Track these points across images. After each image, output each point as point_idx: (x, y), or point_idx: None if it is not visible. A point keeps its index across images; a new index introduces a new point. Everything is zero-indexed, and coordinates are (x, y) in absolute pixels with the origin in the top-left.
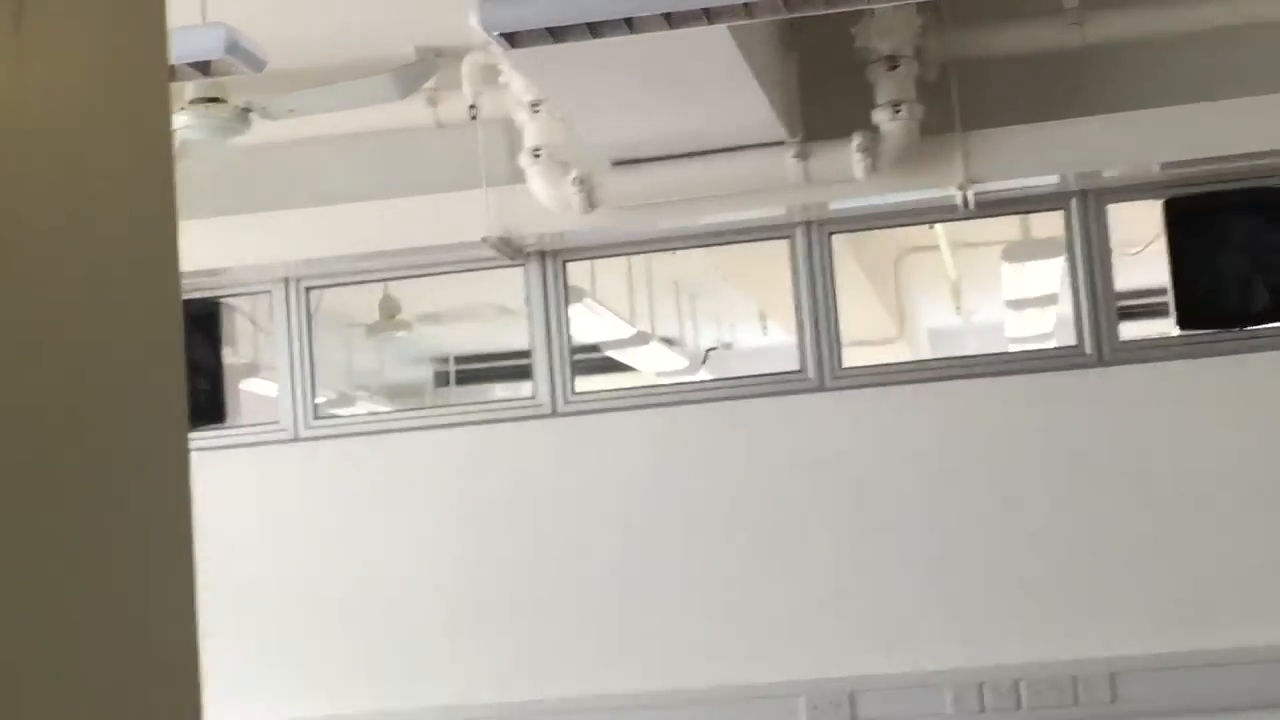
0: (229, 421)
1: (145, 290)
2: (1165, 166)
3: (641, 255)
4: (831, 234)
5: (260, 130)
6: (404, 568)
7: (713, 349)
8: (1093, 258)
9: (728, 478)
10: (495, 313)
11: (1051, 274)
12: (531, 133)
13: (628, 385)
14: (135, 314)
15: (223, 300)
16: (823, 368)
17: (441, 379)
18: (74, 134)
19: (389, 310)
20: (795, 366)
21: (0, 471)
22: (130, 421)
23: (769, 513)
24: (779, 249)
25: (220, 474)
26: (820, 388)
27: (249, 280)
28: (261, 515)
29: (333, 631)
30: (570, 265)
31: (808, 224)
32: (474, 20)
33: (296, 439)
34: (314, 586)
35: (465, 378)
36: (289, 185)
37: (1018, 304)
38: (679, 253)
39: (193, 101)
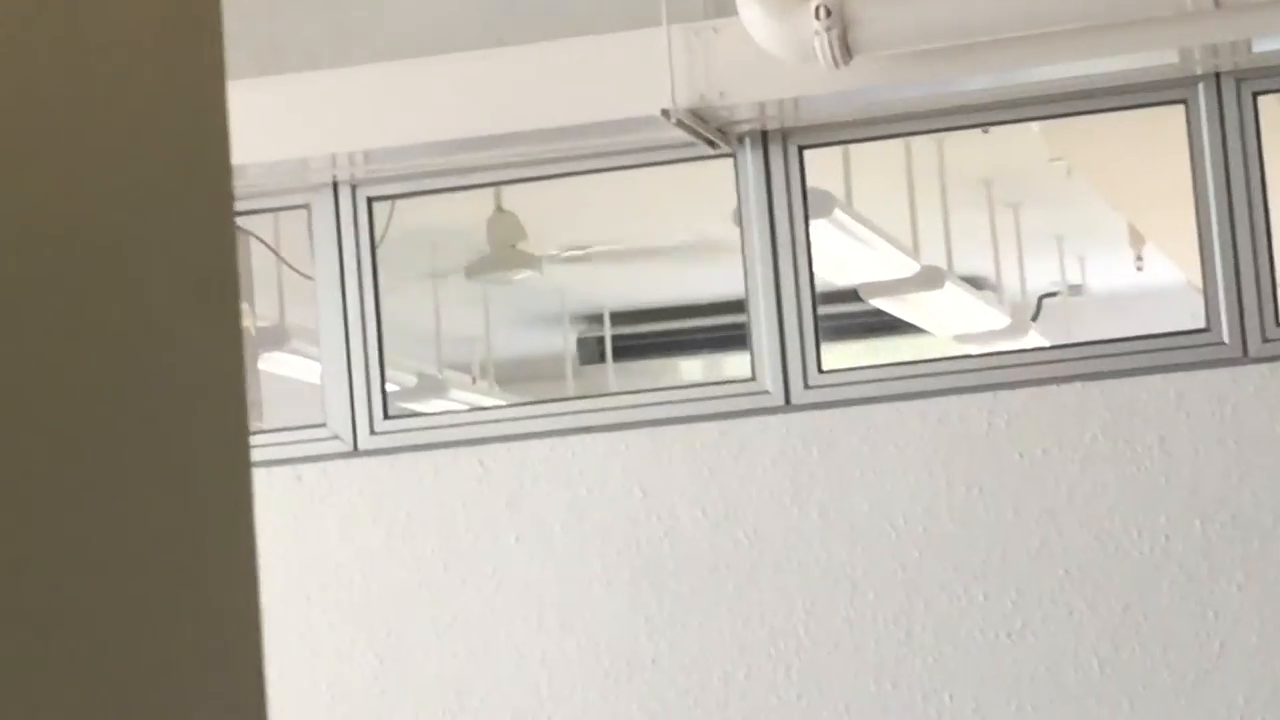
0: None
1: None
2: None
3: (929, 137)
4: (1257, 94)
5: None
6: (535, 650)
7: (1050, 295)
8: None
9: (1080, 509)
10: (682, 239)
11: None
12: None
13: (907, 359)
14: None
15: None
16: (1246, 326)
17: (592, 349)
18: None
19: (505, 237)
20: (1199, 323)
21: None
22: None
23: (1167, 559)
24: (1166, 121)
25: None
26: (1243, 357)
27: (273, 185)
28: (301, 571)
29: None
30: (810, 155)
31: (1216, 77)
32: None
33: (355, 452)
34: (384, 679)
35: (631, 348)
36: (340, 28)
37: None
38: (991, 132)
39: None
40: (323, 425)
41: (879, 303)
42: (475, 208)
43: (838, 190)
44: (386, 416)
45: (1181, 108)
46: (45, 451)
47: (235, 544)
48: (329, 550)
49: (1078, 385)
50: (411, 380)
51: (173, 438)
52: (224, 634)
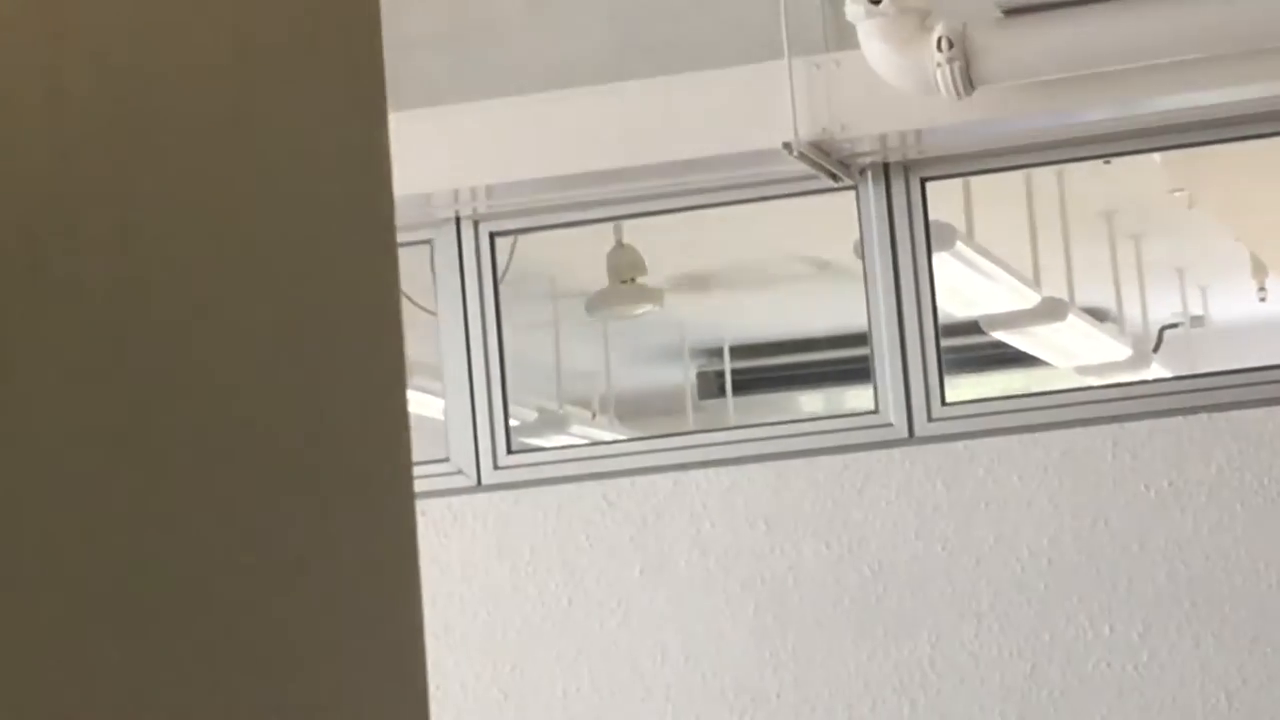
0: None
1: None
2: None
3: (1050, 169)
4: None
5: None
6: (660, 684)
7: (1172, 326)
8: None
9: (1206, 541)
10: (804, 271)
11: None
12: None
13: (1030, 390)
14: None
15: None
16: None
17: (712, 384)
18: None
19: (626, 270)
20: None
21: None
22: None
23: None
24: None
25: None
26: None
27: (397, 220)
28: (425, 606)
29: None
30: (933, 187)
31: None
32: None
33: (479, 487)
34: (509, 714)
35: (752, 381)
36: (463, 62)
37: None
38: (1112, 163)
39: None
40: (446, 460)
41: (1001, 335)
42: (596, 242)
43: (959, 223)
44: (510, 451)
45: None
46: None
47: (402, 569)
48: (453, 585)
49: (1203, 416)
50: (532, 415)
51: (342, 464)
52: (391, 662)
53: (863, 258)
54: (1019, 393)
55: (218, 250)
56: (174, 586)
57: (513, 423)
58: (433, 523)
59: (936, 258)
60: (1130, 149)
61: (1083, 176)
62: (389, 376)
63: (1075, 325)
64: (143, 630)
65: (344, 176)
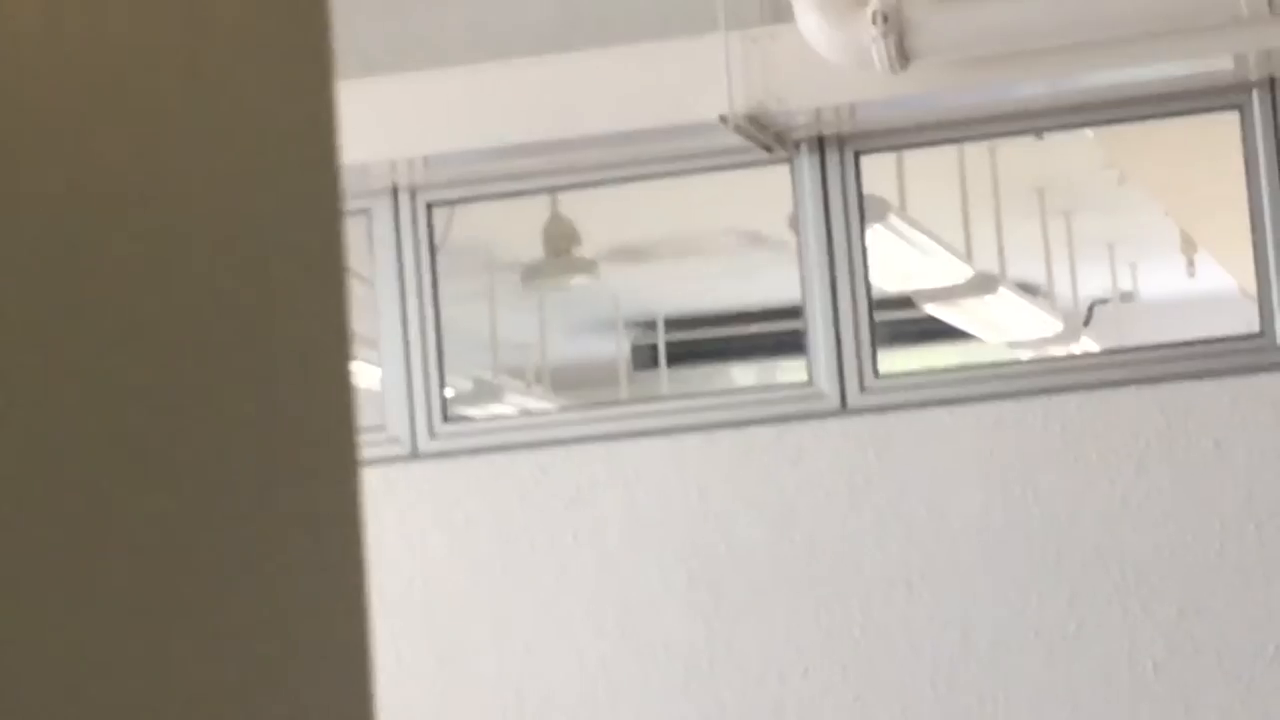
0: None
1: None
2: None
3: (983, 143)
4: None
5: None
6: (593, 653)
7: (1101, 301)
8: None
9: (1135, 513)
10: (738, 244)
11: None
12: None
13: (963, 364)
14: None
15: None
16: None
17: (646, 356)
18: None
19: (561, 242)
20: (1252, 327)
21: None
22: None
23: (1222, 562)
24: (1219, 128)
25: None
26: None
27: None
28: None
29: None
30: (867, 161)
31: (1271, 82)
32: None
33: (415, 455)
34: (443, 681)
35: (686, 353)
36: (401, 32)
37: None
38: (1045, 139)
39: None
40: (382, 429)
41: (933, 309)
42: (532, 214)
43: (892, 197)
44: (446, 420)
45: (1236, 114)
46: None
47: (346, 539)
48: (388, 553)
49: (1132, 390)
50: (468, 385)
51: (284, 426)
52: (335, 631)
53: (797, 230)
54: (951, 366)
55: (163, 217)
56: (115, 555)
57: (448, 393)
58: (368, 491)
59: (870, 231)
60: (1062, 124)
61: (1015, 152)
62: (335, 345)
63: (1006, 299)
64: (84, 596)
65: (292, 145)
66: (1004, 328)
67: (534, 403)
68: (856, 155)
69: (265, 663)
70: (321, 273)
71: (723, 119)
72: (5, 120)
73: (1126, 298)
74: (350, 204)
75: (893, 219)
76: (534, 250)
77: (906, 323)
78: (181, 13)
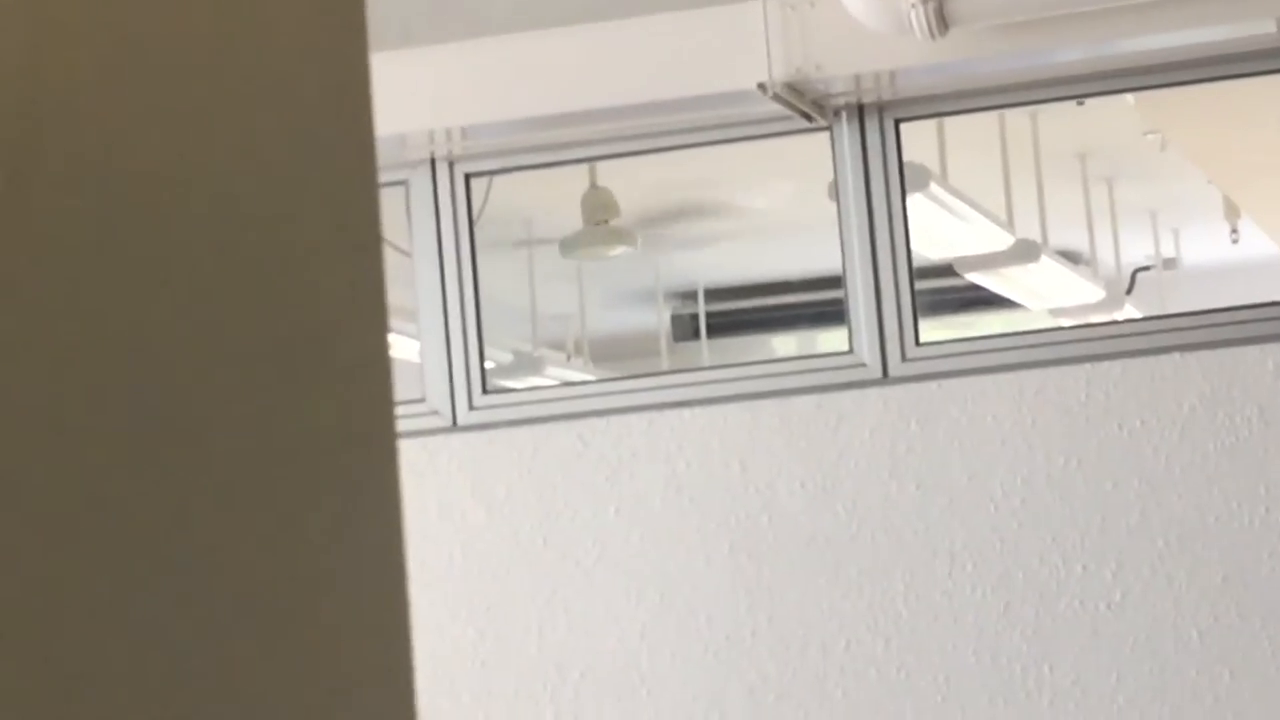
0: None
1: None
2: None
3: (1023, 112)
4: None
5: None
6: (634, 624)
7: (1144, 268)
8: None
9: (1179, 480)
10: (777, 214)
11: None
12: None
13: (1004, 331)
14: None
15: None
16: None
17: (686, 326)
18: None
19: (599, 212)
20: None
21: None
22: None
23: (1266, 530)
24: (1263, 92)
25: None
26: None
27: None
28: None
29: None
30: (907, 128)
31: None
32: None
33: (455, 427)
34: (484, 653)
35: (726, 324)
36: (439, 3)
37: None
38: (1086, 105)
39: None
40: (422, 401)
41: (974, 277)
42: (571, 184)
43: (933, 164)
44: (485, 392)
45: (1279, 78)
46: (189, 404)
47: (383, 512)
48: (428, 525)
49: (1175, 356)
50: (507, 357)
51: (323, 399)
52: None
53: (837, 199)
54: (993, 333)
55: (196, 190)
56: (151, 530)
57: (488, 365)
58: (408, 463)
59: (910, 199)
60: (1104, 90)
61: (1056, 119)
62: (372, 317)
63: (1048, 267)
64: (124, 574)
65: (327, 115)
66: (1046, 295)
67: (574, 374)
68: (896, 123)
69: (303, 635)
70: (357, 244)
71: (761, 87)
72: (38, 94)
73: (1169, 264)
74: (388, 175)
75: (933, 187)
76: (573, 221)
77: (948, 291)
78: None
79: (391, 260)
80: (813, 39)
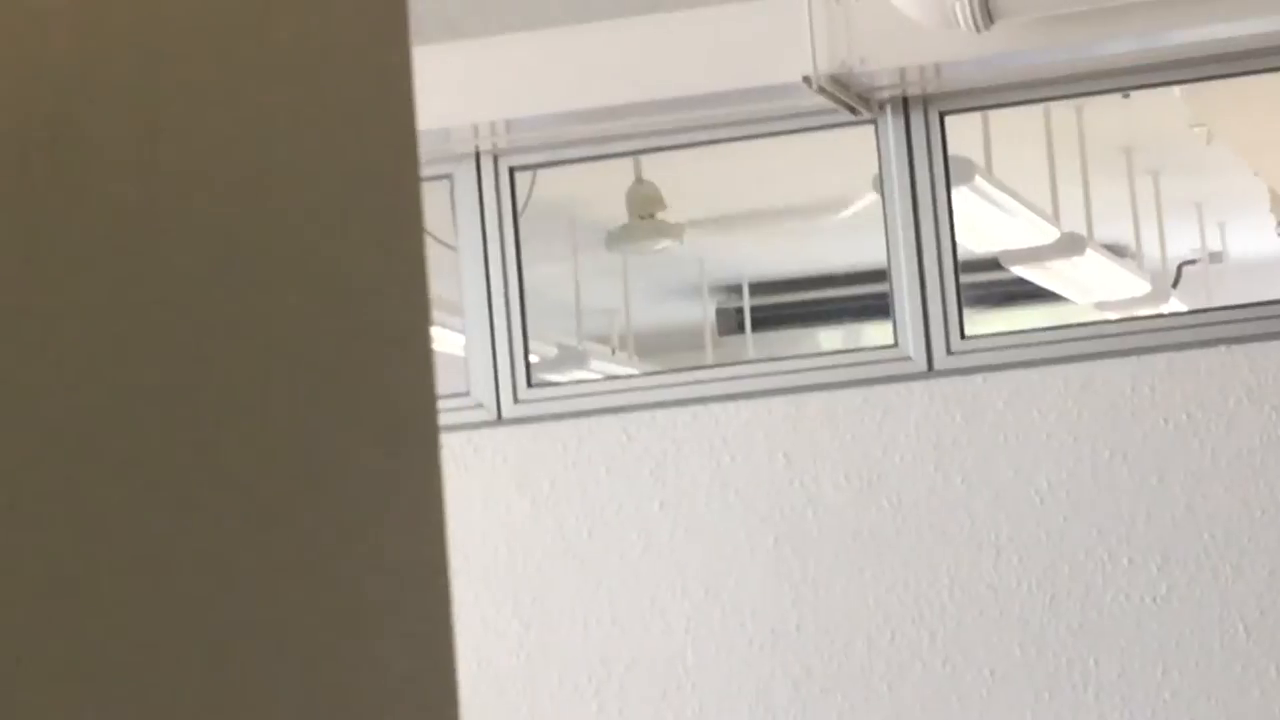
0: None
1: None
2: None
3: (1068, 104)
4: None
5: None
6: (679, 617)
7: (1190, 262)
8: None
9: (1225, 473)
10: (821, 208)
11: None
12: None
13: (1049, 325)
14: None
15: None
16: None
17: (731, 320)
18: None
19: (645, 206)
20: None
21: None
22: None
23: None
24: None
25: None
26: None
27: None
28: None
29: None
30: (952, 121)
31: None
32: None
33: (500, 421)
34: (529, 646)
35: (771, 317)
36: None
37: None
38: (1131, 98)
39: None
40: (467, 394)
41: (1020, 270)
42: (616, 177)
43: (978, 157)
44: (530, 385)
45: None
46: (231, 399)
47: (425, 506)
48: (473, 518)
49: (1221, 349)
50: (552, 351)
51: (366, 393)
52: (416, 596)
53: (881, 192)
54: (1038, 326)
55: (240, 183)
56: (192, 527)
57: (533, 359)
58: (453, 456)
59: (955, 192)
60: (1149, 82)
61: (1101, 111)
62: (414, 311)
63: (1094, 260)
64: (168, 565)
65: (368, 109)
66: (1091, 289)
67: (619, 368)
68: (941, 116)
69: (345, 629)
70: (398, 237)
71: (806, 80)
72: (78, 88)
73: (1215, 258)
74: (432, 169)
75: (978, 180)
76: (618, 215)
77: (993, 284)
78: None
79: (436, 254)
80: (857, 32)
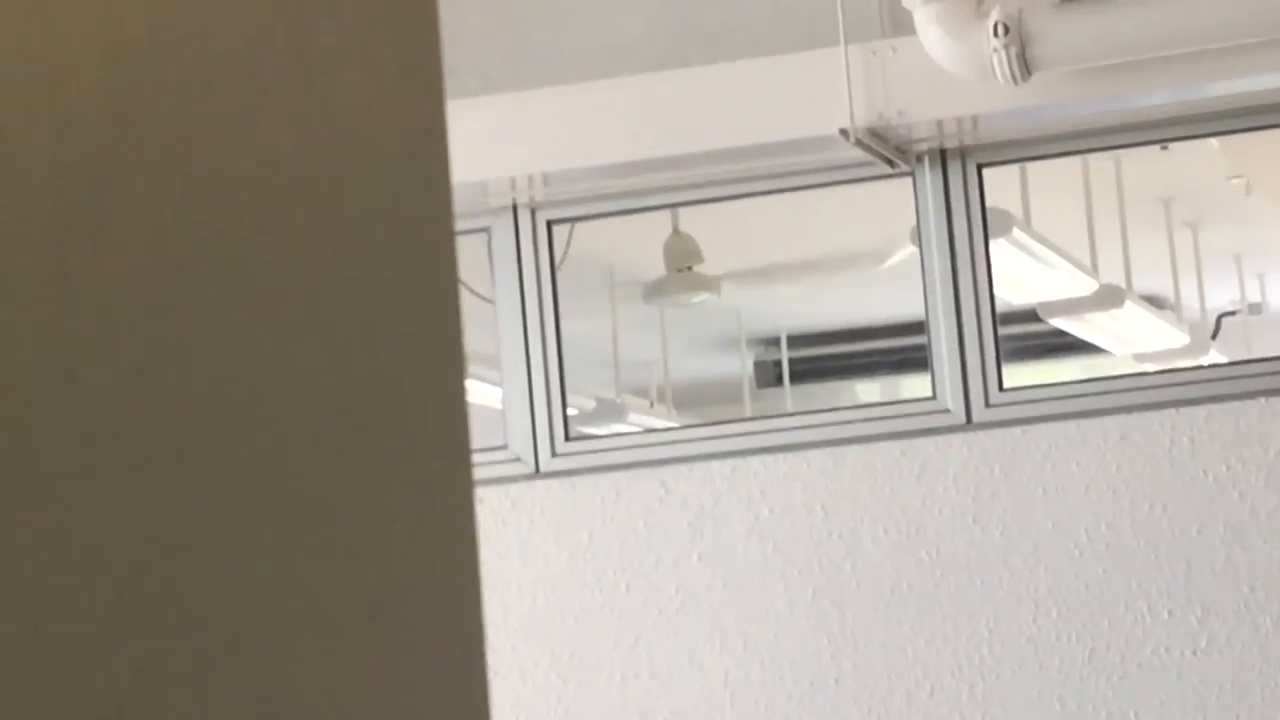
0: None
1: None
2: None
3: (1106, 156)
4: None
5: None
6: (718, 671)
7: (1229, 313)
8: None
9: (1265, 525)
10: (859, 261)
11: None
12: None
13: (1088, 377)
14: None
15: None
16: None
17: (769, 372)
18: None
19: (682, 258)
20: None
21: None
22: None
23: None
24: None
25: None
26: None
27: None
28: (485, 595)
29: None
30: (990, 173)
31: None
32: None
33: (537, 474)
34: (567, 700)
35: (809, 370)
36: (519, 50)
37: None
38: (1170, 150)
39: None
40: (504, 448)
41: (1058, 322)
42: (653, 230)
43: (1016, 209)
44: (568, 439)
45: None
46: (269, 452)
47: (460, 557)
48: (512, 572)
49: (1261, 401)
50: (590, 404)
51: (399, 446)
52: (451, 649)
53: (919, 245)
54: (1077, 379)
55: (275, 235)
56: (227, 576)
57: (571, 412)
58: (491, 510)
59: (993, 244)
60: (1187, 134)
61: (1140, 163)
62: (449, 364)
63: (1133, 312)
64: (197, 617)
65: (403, 162)
66: (1130, 340)
67: (657, 421)
68: (979, 168)
69: (380, 682)
70: (433, 290)
71: (844, 133)
72: (114, 139)
73: (1255, 309)
74: (470, 222)
75: (1016, 232)
76: (655, 267)
77: (1031, 336)
78: (287, 33)
79: (474, 307)
80: (895, 84)
